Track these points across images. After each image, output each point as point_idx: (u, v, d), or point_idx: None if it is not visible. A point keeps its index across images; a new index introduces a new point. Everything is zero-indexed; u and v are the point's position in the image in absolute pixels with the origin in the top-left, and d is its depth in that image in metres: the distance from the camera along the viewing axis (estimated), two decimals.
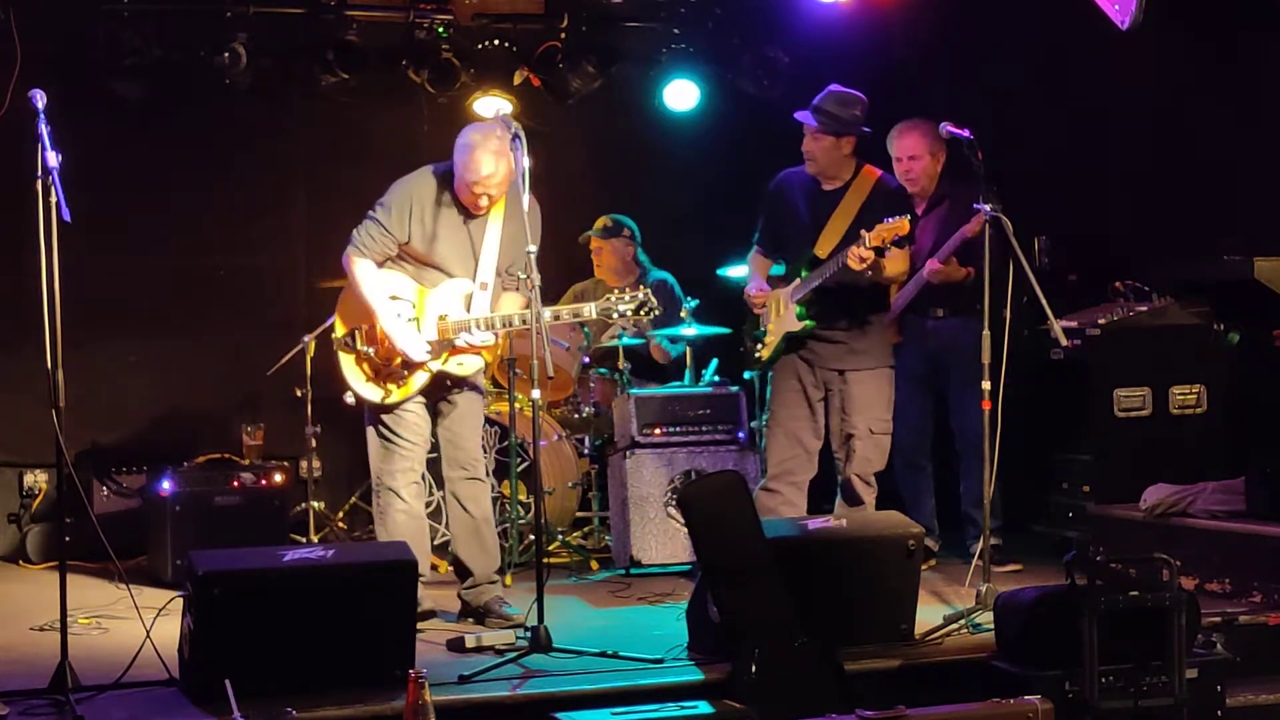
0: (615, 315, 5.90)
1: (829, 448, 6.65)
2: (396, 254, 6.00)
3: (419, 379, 5.98)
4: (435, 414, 6.09)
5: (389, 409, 5.99)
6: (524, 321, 5.78)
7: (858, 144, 6.53)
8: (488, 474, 6.34)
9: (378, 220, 5.95)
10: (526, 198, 5.60)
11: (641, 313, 5.87)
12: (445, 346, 5.94)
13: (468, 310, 5.94)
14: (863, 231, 6.15)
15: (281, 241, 8.61)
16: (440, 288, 5.97)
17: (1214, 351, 7.08)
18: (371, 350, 5.98)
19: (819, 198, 6.54)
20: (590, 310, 5.92)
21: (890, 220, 6.11)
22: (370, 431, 6.08)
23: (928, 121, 7.17)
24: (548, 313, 5.85)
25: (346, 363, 6.04)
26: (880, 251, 6.17)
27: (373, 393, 6.00)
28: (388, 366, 5.96)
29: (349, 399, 6.18)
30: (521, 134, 5.62)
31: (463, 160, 5.84)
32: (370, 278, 5.96)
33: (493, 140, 5.81)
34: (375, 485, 6.09)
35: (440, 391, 6.05)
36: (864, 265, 6.15)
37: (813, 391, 6.55)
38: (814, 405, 6.56)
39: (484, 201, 5.89)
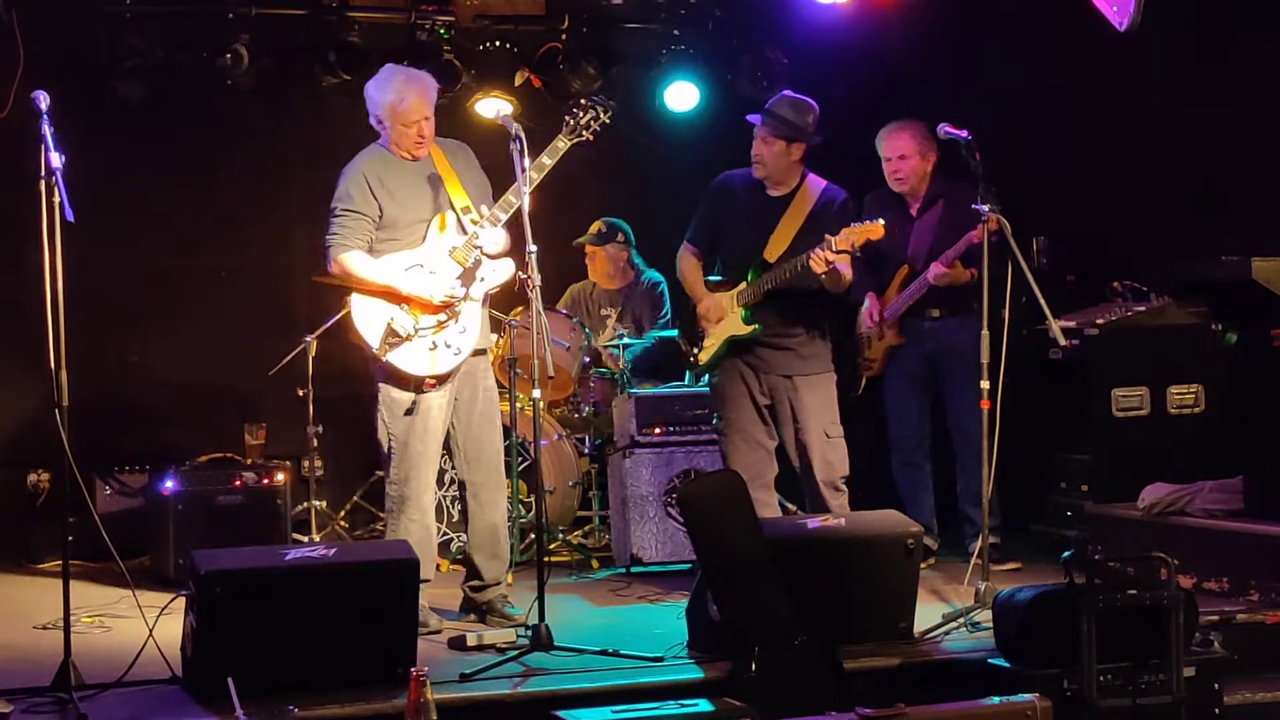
0: (583, 132, 5.87)
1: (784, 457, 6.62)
2: (377, 236, 5.93)
3: (473, 316, 5.93)
4: (454, 416, 6.03)
5: (412, 412, 5.90)
6: (516, 195, 5.71)
7: (806, 152, 6.52)
8: None
9: (344, 210, 5.91)
10: (527, 199, 5.62)
11: (601, 112, 5.85)
12: (475, 268, 5.92)
13: (464, 232, 5.92)
14: (828, 236, 6.14)
15: (283, 242, 8.63)
16: (431, 233, 5.94)
17: (1212, 351, 7.09)
18: (423, 321, 5.87)
19: (764, 202, 6.52)
20: (563, 140, 5.84)
21: (859, 224, 6.11)
22: (385, 436, 5.98)
23: (916, 122, 7.18)
24: (526, 193, 5.72)
25: (404, 359, 5.85)
26: (795, 249, 6.20)
27: (445, 360, 5.86)
28: (442, 325, 5.88)
29: (430, 382, 5.89)
30: (522, 135, 5.64)
31: (388, 100, 5.89)
32: (368, 264, 5.88)
33: (408, 73, 5.97)
34: (390, 490, 6.00)
35: (461, 386, 6.01)
36: (828, 269, 6.15)
37: (759, 397, 6.51)
38: (762, 410, 6.53)
39: (426, 133, 5.89)
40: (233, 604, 4.82)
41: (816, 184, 6.52)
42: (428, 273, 5.90)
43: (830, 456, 6.44)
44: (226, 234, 8.43)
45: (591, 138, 5.96)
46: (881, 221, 6.14)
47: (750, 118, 6.52)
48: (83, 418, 5.16)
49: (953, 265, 7.09)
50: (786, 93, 6.55)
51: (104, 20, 7.87)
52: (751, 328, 6.42)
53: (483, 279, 5.96)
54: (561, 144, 5.87)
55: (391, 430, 5.96)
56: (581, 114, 5.88)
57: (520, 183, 5.61)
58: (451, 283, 5.89)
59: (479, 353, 6.06)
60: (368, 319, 5.90)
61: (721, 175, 6.73)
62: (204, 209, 8.34)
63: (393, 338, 5.86)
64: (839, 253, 6.09)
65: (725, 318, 6.52)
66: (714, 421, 6.71)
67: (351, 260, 5.87)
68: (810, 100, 6.50)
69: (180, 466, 7.26)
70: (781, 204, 6.48)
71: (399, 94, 5.88)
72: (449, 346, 5.89)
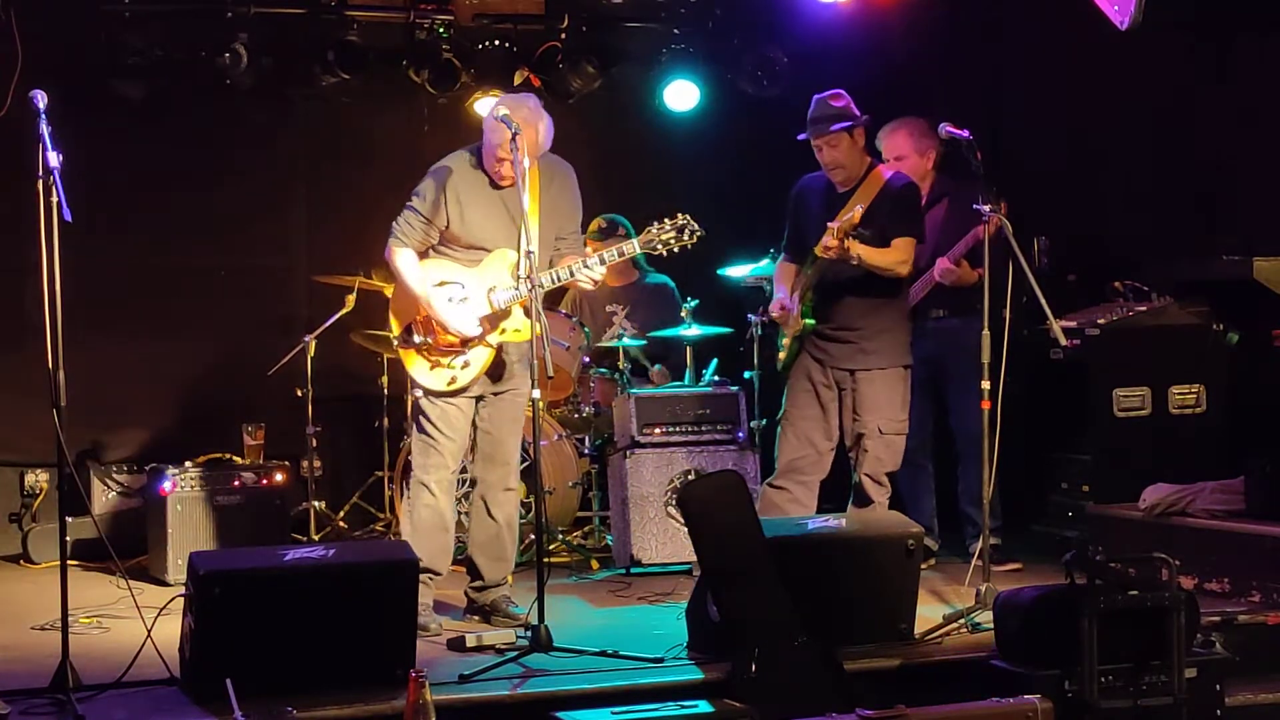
0: (659, 247, 5.83)
1: (843, 449, 6.64)
2: (440, 241, 6.00)
3: (481, 357, 5.95)
4: (479, 414, 6.06)
5: (435, 404, 5.96)
6: (571, 274, 5.80)
7: (866, 136, 6.55)
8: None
9: (414, 209, 5.98)
10: (526, 198, 5.61)
11: (685, 236, 5.79)
12: (501, 318, 5.92)
13: (515, 278, 5.91)
14: (829, 223, 6.19)
15: (282, 241, 8.62)
16: (485, 262, 5.96)
17: (1213, 351, 7.09)
18: (430, 339, 5.96)
19: (835, 200, 6.55)
20: (634, 246, 5.85)
21: (845, 216, 6.15)
22: (413, 427, 6.08)
23: (916, 120, 7.17)
24: (596, 260, 5.83)
25: (408, 358, 6.03)
26: (848, 238, 6.20)
27: (438, 380, 5.96)
28: (447, 351, 5.95)
29: (417, 393, 6.06)
30: (522, 133, 5.64)
31: (488, 125, 5.88)
32: (412, 266, 5.97)
33: (523, 109, 5.87)
34: (410, 480, 6.08)
35: (490, 387, 6.02)
36: (830, 254, 6.18)
37: (824, 391, 6.54)
38: (826, 405, 6.55)
39: (505, 170, 5.82)
40: (231, 605, 4.81)
41: (881, 175, 6.53)
42: (460, 299, 5.93)
43: (881, 453, 6.49)
44: (226, 234, 8.41)
45: (665, 254, 5.93)
46: (860, 207, 6.17)
47: (804, 136, 6.52)
48: (81, 418, 5.15)
49: (959, 263, 7.08)
50: (816, 96, 6.55)
51: (103, 19, 7.86)
52: (804, 322, 6.49)
53: (504, 330, 5.95)
54: (628, 249, 5.90)
55: (417, 415, 6.04)
56: (667, 230, 5.81)
57: (519, 182, 5.59)
58: (472, 321, 5.91)
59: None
60: (400, 310, 6.08)
61: (798, 182, 6.74)
62: (203, 208, 8.32)
63: (407, 335, 6.01)
64: (837, 240, 6.13)
65: (791, 317, 6.55)
66: (779, 411, 6.75)
67: (400, 257, 5.99)
68: (835, 90, 6.53)
69: (179, 467, 7.24)
70: (846, 197, 6.49)
71: (499, 129, 5.76)
72: (448, 375, 5.96)
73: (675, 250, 5.85)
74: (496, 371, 6.02)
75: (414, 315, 6.00)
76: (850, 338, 6.48)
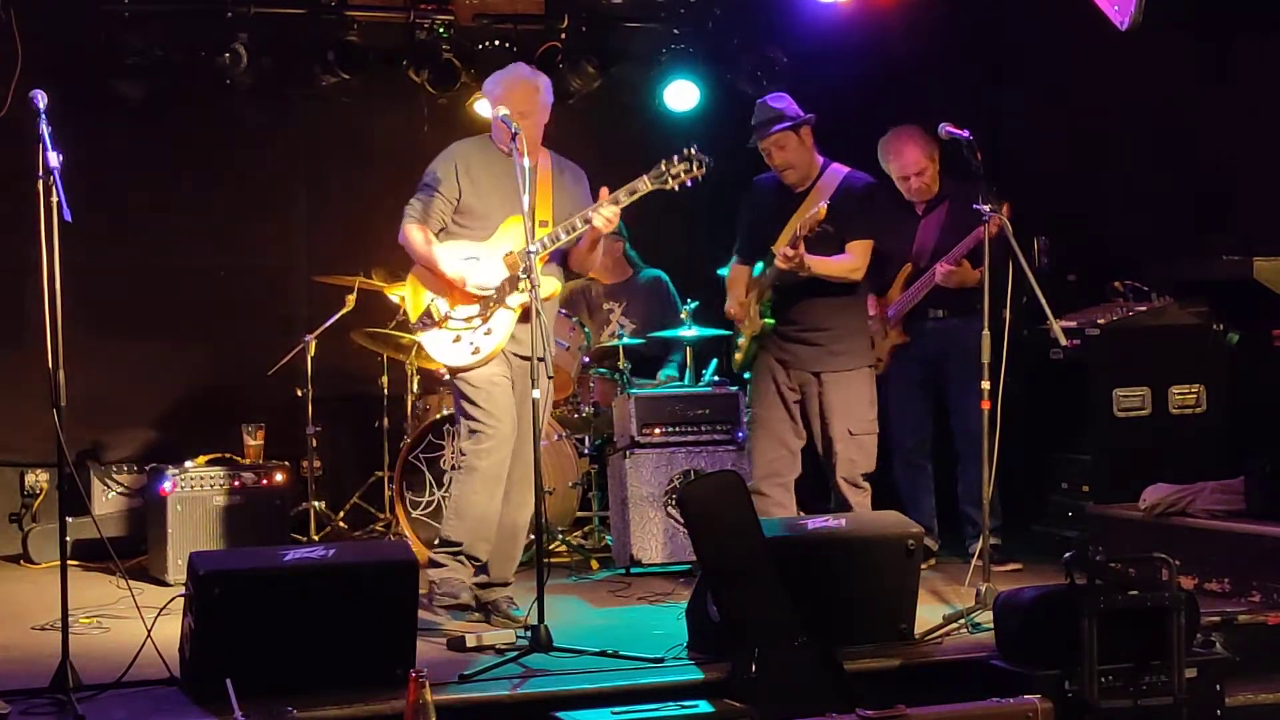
0: (669, 180, 5.81)
1: (813, 448, 6.64)
2: (455, 217, 6.02)
3: (503, 323, 5.94)
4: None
5: (478, 386, 5.95)
6: (586, 222, 5.82)
7: (815, 136, 6.53)
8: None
9: (425, 185, 6.04)
10: (527, 199, 5.60)
11: (695, 167, 5.78)
12: (517, 280, 5.91)
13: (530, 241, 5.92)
14: (795, 228, 6.21)
15: (282, 241, 8.63)
16: (499, 232, 5.99)
17: (1213, 351, 7.09)
18: (453, 309, 5.98)
19: (790, 200, 6.56)
20: (646, 182, 5.83)
21: (810, 213, 6.14)
22: (458, 416, 6.10)
23: (916, 127, 7.17)
24: (609, 201, 5.81)
25: (430, 341, 6.03)
26: (805, 240, 6.18)
27: (461, 353, 5.96)
28: (470, 320, 5.95)
29: (447, 377, 6.08)
30: (522, 134, 5.64)
31: (488, 89, 6.02)
32: (424, 238, 6.00)
33: (521, 69, 6.05)
34: (457, 464, 6.07)
35: (521, 378, 6.00)
36: (789, 264, 6.20)
37: (788, 393, 6.57)
38: (790, 407, 6.57)
39: (511, 125, 5.83)
40: (231, 605, 4.81)
41: (836, 173, 6.54)
42: (478, 265, 5.96)
43: (853, 454, 6.51)
44: (226, 234, 8.41)
45: (677, 189, 5.88)
46: (824, 204, 6.18)
47: (752, 144, 6.54)
48: (81, 418, 5.15)
49: (959, 263, 7.09)
50: (758, 101, 6.59)
51: (103, 19, 7.87)
52: (763, 322, 6.48)
53: (524, 289, 5.93)
54: (643, 186, 5.86)
55: (459, 402, 6.05)
56: (676, 164, 5.81)
57: (521, 182, 5.59)
58: (489, 280, 5.92)
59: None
60: (416, 295, 6.10)
61: (754, 181, 6.74)
62: (203, 208, 8.33)
63: (427, 318, 6.03)
64: (800, 245, 6.15)
65: (749, 317, 6.55)
66: (745, 416, 6.75)
67: (411, 232, 6.03)
68: (775, 92, 6.59)
69: (179, 467, 7.24)
70: (801, 197, 6.49)
71: (495, 81, 6.02)
72: (470, 344, 5.95)
73: (686, 183, 5.82)
74: (517, 377, 6.01)
75: (430, 297, 6.02)
76: (818, 339, 6.49)
